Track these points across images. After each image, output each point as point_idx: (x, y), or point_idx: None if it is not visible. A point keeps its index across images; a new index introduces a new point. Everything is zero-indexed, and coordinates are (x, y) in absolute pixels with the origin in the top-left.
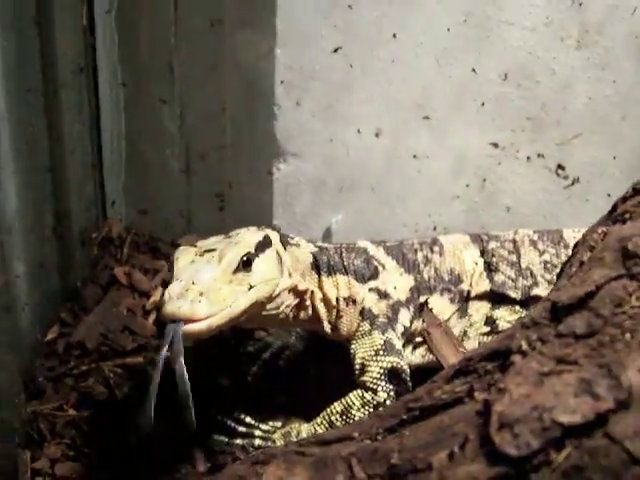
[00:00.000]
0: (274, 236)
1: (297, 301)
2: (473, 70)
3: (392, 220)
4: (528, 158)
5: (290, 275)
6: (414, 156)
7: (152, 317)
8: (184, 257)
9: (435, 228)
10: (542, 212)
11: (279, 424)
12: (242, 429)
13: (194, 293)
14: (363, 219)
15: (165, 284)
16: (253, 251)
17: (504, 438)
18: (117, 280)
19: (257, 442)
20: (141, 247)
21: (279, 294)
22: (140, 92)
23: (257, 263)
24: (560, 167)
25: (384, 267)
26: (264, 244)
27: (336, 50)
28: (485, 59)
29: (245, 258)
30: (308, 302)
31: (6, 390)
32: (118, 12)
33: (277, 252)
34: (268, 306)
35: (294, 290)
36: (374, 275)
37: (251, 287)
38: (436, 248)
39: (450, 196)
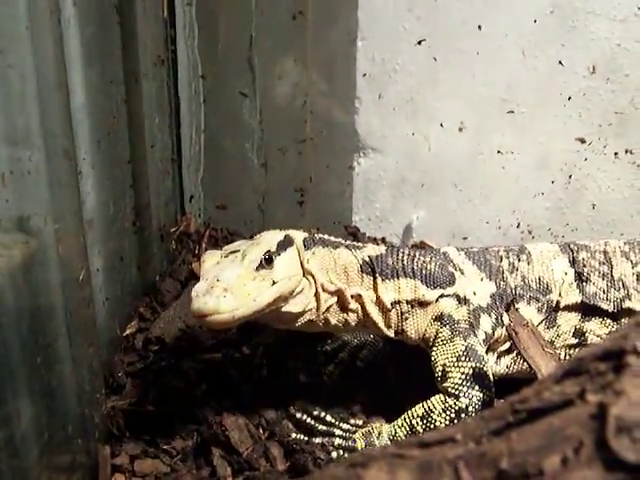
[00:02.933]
0: (297, 236)
1: (334, 301)
2: (560, 63)
3: (474, 217)
4: (616, 154)
5: (312, 275)
6: (498, 152)
7: None
8: (210, 259)
9: (519, 225)
10: (629, 211)
11: (360, 423)
12: (322, 427)
13: (219, 289)
14: (445, 216)
15: None
16: (274, 249)
17: (622, 443)
18: (195, 275)
19: (337, 441)
20: (219, 242)
21: (301, 291)
22: (220, 85)
23: (278, 261)
24: None
25: (462, 272)
26: (285, 243)
27: (419, 42)
28: (572, 51)
29: (267, 256)
30: (354, 305)
31: (87, 385)
32: (199, 4)
33: (298, 251)
34: (291, 301)
35: (327, 291)
36: (450, 281)
37: (274, 283)
38: (524, 256)
39: (534, 193)
